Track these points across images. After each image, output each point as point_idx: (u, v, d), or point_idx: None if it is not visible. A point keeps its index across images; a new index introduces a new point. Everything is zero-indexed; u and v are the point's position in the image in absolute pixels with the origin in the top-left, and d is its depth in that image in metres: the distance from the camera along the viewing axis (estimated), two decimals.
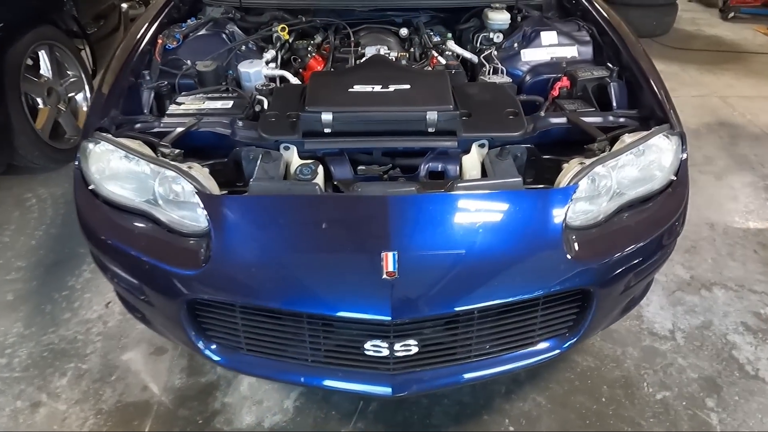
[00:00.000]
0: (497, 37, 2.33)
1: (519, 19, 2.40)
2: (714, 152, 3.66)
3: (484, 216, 1.44)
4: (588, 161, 1.56)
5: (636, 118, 1.79)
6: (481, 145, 1.69)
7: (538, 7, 2.53)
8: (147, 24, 2.15)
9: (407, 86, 1.70)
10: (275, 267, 1.37)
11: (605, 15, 2.22)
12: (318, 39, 2.39)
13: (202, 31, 2.27)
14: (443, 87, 1.70)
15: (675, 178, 1.64)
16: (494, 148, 1.67)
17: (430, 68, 2.19)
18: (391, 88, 1.69)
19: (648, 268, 1.60)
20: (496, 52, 2.24)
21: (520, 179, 1.51)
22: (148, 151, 1.61)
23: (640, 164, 1.62)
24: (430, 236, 1.39)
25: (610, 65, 1.99)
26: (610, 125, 1.76)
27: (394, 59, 2.09)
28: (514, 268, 1.39)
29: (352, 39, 2.29)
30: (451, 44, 2.25)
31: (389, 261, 1.31)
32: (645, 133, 1.64)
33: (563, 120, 1.75)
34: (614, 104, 1.87)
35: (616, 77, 1.92)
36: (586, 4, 2.35)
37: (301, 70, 2.24)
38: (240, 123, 1.74)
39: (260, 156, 1.63)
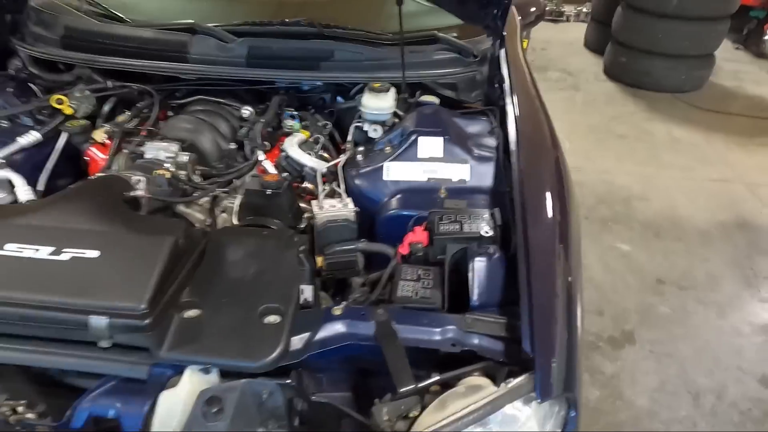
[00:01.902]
0: (374, 131, 1.59)
1: (408, 107, 1.63)
2: (722, 269, 2.79)
3: None
4: None
5: (502, 338, 1.01)
6: (205, 371, 0.96)
7: (451, 86, 1.75)
8: None
9: (96, 253, 0.98)
10: None
11: (517, 119, 1.42)
12: (126, 115, 1.67)
13: None
14: (150, 262, 0.97)
15: None
16: (219, 386, 0.94)
17: (257, 174, 1.48)
18: (67, 254, 0.98)
19: None
20: (360, 157, 1.50)
21: None
22: None
23: None
24: None
25: (494, 215, 1.22)
26: (449, 350, 1.00)
27: (147, 178, 1.34)
28: None
29: (151, 123, 1.58)
30: (288, 145, 1.50)
31: None
32: (493, 393, 0.87)
33: (368, 331, 1.00)
34: (474, 298, 1.08)
35: (489, 247, 1.12)
36: (509, 94, 1.57)
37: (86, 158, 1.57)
38: None
39: None
